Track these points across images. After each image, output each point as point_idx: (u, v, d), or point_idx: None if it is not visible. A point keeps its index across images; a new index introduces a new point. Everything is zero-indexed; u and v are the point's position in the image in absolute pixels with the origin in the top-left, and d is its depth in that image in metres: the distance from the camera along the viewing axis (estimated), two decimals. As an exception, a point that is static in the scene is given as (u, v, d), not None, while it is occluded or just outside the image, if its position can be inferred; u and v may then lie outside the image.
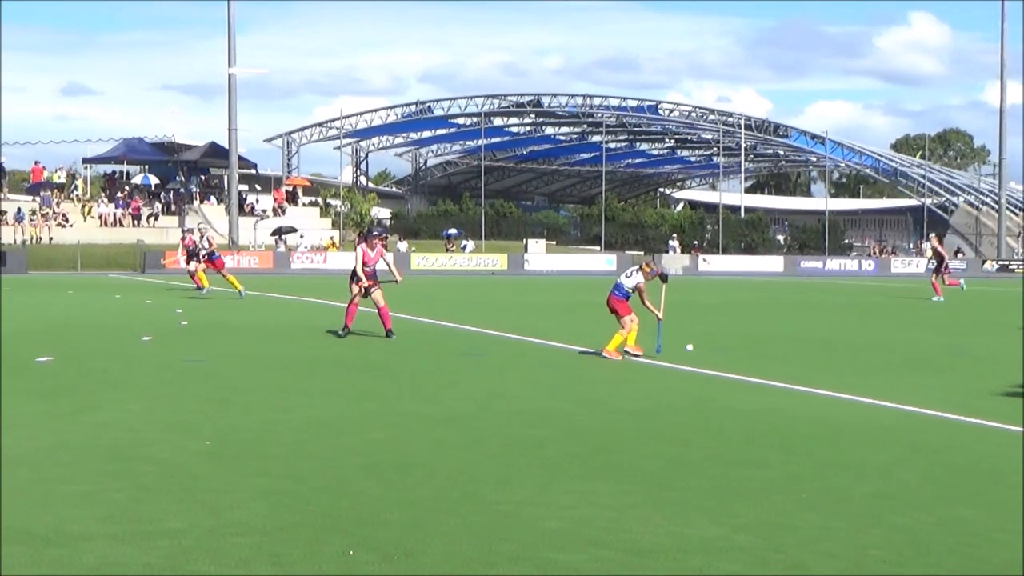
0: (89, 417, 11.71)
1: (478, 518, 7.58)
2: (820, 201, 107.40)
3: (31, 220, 64.68)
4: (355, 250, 20.93)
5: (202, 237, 35.83)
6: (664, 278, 17.86)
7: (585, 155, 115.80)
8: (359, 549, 6.76)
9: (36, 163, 75.06)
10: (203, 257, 35.14)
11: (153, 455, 9.66)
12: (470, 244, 77.23)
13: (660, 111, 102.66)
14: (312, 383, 14.61)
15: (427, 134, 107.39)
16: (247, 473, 8.97)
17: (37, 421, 11.43)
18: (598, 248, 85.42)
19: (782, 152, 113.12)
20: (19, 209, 65.45)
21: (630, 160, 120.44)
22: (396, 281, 21.08)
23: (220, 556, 6.61)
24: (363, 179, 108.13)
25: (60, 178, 73.89)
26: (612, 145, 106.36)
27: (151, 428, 11.09)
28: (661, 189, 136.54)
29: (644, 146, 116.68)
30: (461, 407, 12.60)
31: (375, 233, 21.69)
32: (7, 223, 63.89)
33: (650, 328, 17.97)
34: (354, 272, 20.79)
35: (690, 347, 18.16)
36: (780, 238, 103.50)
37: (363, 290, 20.57)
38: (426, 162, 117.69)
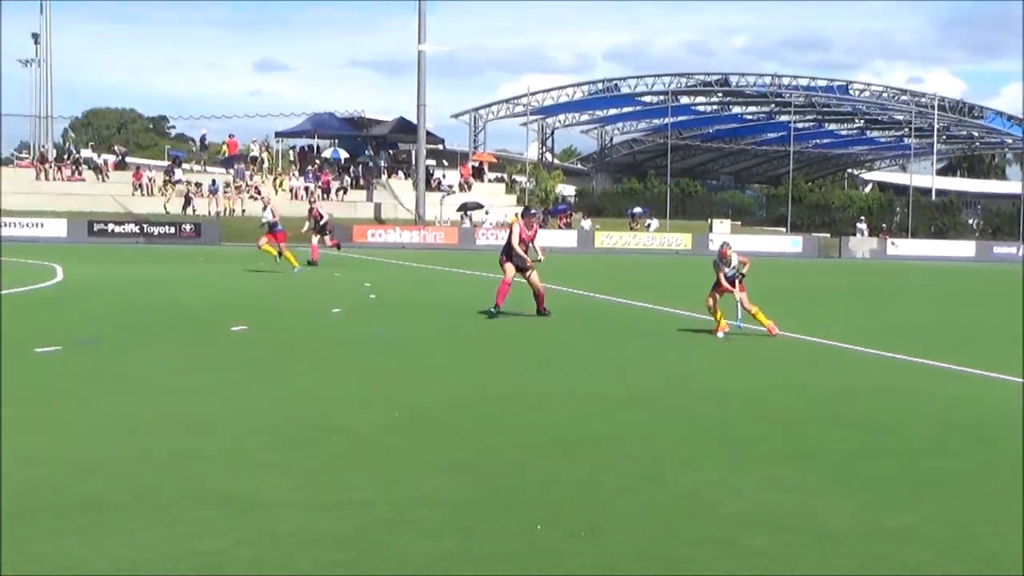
0: (282, 387, 11.99)
1: (663, 498, 7.57)
2: (1015, 185, 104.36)
3: (225, 192, 66.27)
4: (511, 227, 20.56)
5: (265, 208, 35.80)
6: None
7: (772, 135, 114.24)
8: (545, 524, 6.81)
9: (230, 137, 76.93)
10: (264, 229, 34.91)
11: (343, 426, 9.85)
12: (655, 223, 76.90)
13: (850, 91, 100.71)
14: (493, 359, 14.73)
15: (613, 112, 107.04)
16: (434, 447, 9.09)
17: (232, 389, 11.75)
18: (784, 229, 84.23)
19: (976, 134, 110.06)
20: (213, 181, 67.10)
21: (818, 140, 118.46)
22: (539, 260, 20.72)
23: (409, 527, 6.71)
24: (548, 156, 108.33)
25: (253, 151, 75.55)
26: (800, 125, 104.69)
27: (341, 399, 11.31)
28: (849, 170, 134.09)
29: (832, 126, 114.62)
30: (645, 386, 12.57)
31: (532, 212, 21.27)
32: (202, 195, 65.59)
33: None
34: (508, 249, 20.42)
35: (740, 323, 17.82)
36: (972, 222, 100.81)
37: (517, 268, 20.18)
38: (611, 140, 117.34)
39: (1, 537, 6.28)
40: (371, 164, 75.91)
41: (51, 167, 66.60)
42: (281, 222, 34.74)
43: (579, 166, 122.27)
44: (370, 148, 78.88)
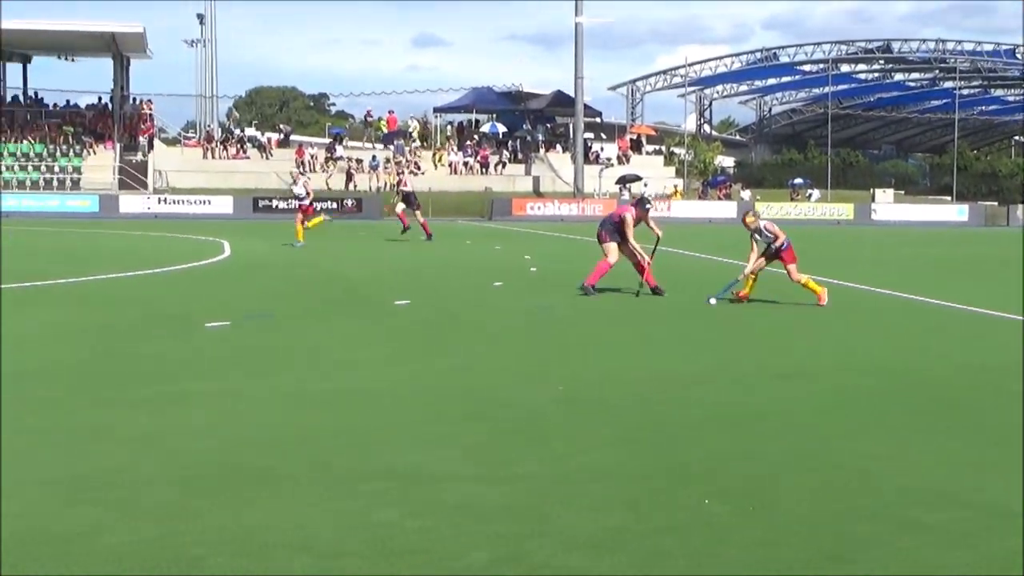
0: (447, 360, 12.11)
1: (830, 473, 7.48)
2: None
3: (385, 168, 67.00)
4: (623, 219, 19.83)
5: (295, 183, 35.54)
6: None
7: (936, 102, 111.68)
8: (713, 499, 6.77)
9: (390, 112, 77.70)
10: (298, 204, 34.55)
11: (508, 399, 9.91)
12: (816, 193, 75.84)
13: (1017, 55, 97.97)
14: (651, 333, 14.68)
15: (771, 82, 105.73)
16: (599, 420, 9.10)
17: (398, 363, 11.89)
18: (949, 199, 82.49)
19: None
20: (374, 157, 67.90)
21: (983, 107, 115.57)
22: (658, 236, 20.09)
23: (577, 501, 6.73)
24: (707, 127, 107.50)
25: (412, 127, 76.23)
26: (965, 92, 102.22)
27: (506, 373, 11.39)
28: (1017, 137, 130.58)
29: (999, 92, 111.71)
30: (805, 362, 12.42)
31: (647, 206, 20.05)
32: (363, 171, 66.41)
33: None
34: (623, 235, 19.42)
35: (713, 301, 17.46)
36: None
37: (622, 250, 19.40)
38: (770, 110, 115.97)
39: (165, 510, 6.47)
40: (529, 138, 76.08)
41: (217, 146, 68.01)
42: (310, 198, 34.59)
43: (738, 137, 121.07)
44: (528, 122, 79.07)
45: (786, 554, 5.85)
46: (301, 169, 42.02)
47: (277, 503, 6.63)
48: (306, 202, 33.81)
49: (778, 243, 17.55)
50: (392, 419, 9.05)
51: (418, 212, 36.14)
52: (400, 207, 36.11)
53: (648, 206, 20.01)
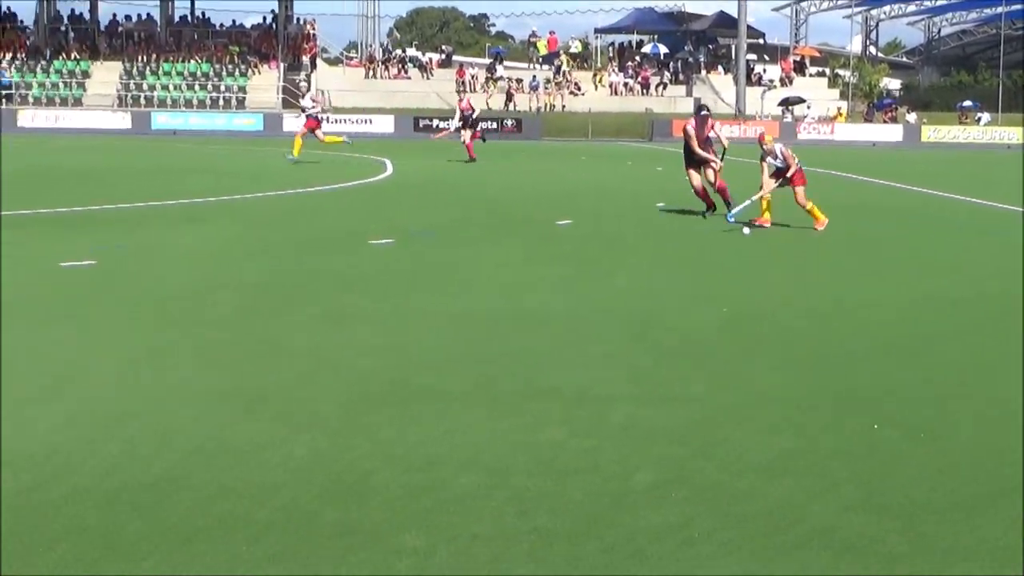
0: (609, 281, 12.08)
1: (1002, 401, 7.30)
2: None
3: (545, 88, 66.83)
4: (685, 131, 19.16)
5: (304, 96, 35.05)
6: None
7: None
8: (883, 425, 6.68)
9: (551, 33, 77.32)
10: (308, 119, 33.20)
11: (672, 322, 9.87)
12: (985, 117, 73.76)
13: None
14: (820, 256, 14.47)
15: (941, 2, 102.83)
16: (765, 344, 9.01)
17: (562, 283, 11.90)
18: None
19: None
20: (534, 77, 67.74)
21: None
22: (725, 147, 19.26)
23: (744, 424, 6.69)
24: (872, 49, 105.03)
25: (574, 48, 75.81)
26: None
27: (669, 294, 11.33)
28: None
29: None
30: (976, 286, 12.13)
31: (704, 113, 19.52)
32: (523, 91, 66.33)
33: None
34: (688, 154, 19.06)
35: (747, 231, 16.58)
36: None
37: (700, 164, 18.88)
38: (939, 31, 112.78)
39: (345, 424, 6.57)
40: (691, 59, 75.19)
41: (379, 66, 68.44)
42: (318, 111, 33.70)
43: (904, 59, 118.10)
44: (690, 43, 78.11)
45: (959, 483, 5.74)
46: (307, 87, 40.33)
47: (444, 420, 6.70)
48: (313, 114, 33.08)
49: (793, 169, 17.12)
50: (557, 340, 9.07)
51: (466, 131, 34.45)
52: (467, 134, 34.38)
53: (704, 113, 19.46)
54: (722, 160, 19.06)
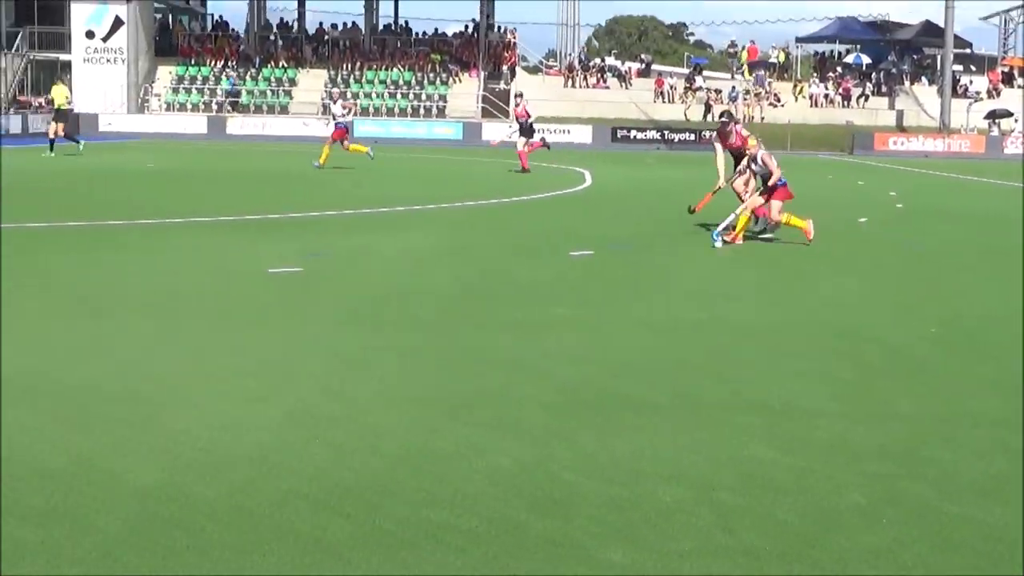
0: (813, 294, 11.92)
1: None
2: None
3: (744, 99, 66.22)
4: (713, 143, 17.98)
5: (334, 101, 34.44)
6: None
7: None
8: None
9: (751, 43, 76.60)
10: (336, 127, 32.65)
11: (878, 336, 9.67)
12: None
13: None
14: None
15: None
16: (976, 363, 8.77)
17: (765, 294, 11.77)
18: None
19: None
20: (733, 88, 67.17)
21: None
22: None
23: (955, 444, 6.51)
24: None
25: (775, 57, 74.99)
26: None
27: (874, 309, 11.11)
28: None
29: None
30: None
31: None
32: (722, 101, 65.84)
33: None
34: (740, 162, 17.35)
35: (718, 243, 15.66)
36: None
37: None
38: None
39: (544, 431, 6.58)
40: (894, 70, 73.73)
41: (578, 75, 68.64)
42: (347, 117, 33.34)
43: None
44: (894, 53, 76.60)
45: None
46: (341, 91, 39.25)
47: (647, 432, 6.66)
48: (343, 124, 32.76)
49: (773, 179, 16.00)
50: (759, 352, 8.96)
51: (521, 139, 32.54)
52: (523, 143, 32.35)
53: (724, 119, 17.83)
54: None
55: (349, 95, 34.35)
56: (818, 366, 8.53)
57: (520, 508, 5.40)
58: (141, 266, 12.93)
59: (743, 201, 16.56)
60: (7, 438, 6.24)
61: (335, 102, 34.56)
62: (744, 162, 16.73)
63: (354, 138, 35.29)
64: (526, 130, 32.76)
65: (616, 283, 12.50)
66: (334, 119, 33.09)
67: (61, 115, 38.69)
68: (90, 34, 62.30)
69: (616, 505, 5.46)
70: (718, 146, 17.70)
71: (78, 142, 37.68)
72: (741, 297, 11.62)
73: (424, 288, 11.78)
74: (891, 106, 67.85)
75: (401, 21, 73.57)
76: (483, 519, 5.25)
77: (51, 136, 38.32)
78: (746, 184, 16.89)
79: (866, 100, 68.70)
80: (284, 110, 62.34)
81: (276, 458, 6.04)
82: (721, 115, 18.02)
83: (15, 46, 63.47)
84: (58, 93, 39.59)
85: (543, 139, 33.78)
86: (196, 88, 62.40)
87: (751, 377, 8.10)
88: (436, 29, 73.04)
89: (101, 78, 61.33)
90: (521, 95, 35.00)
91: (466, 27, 71.35)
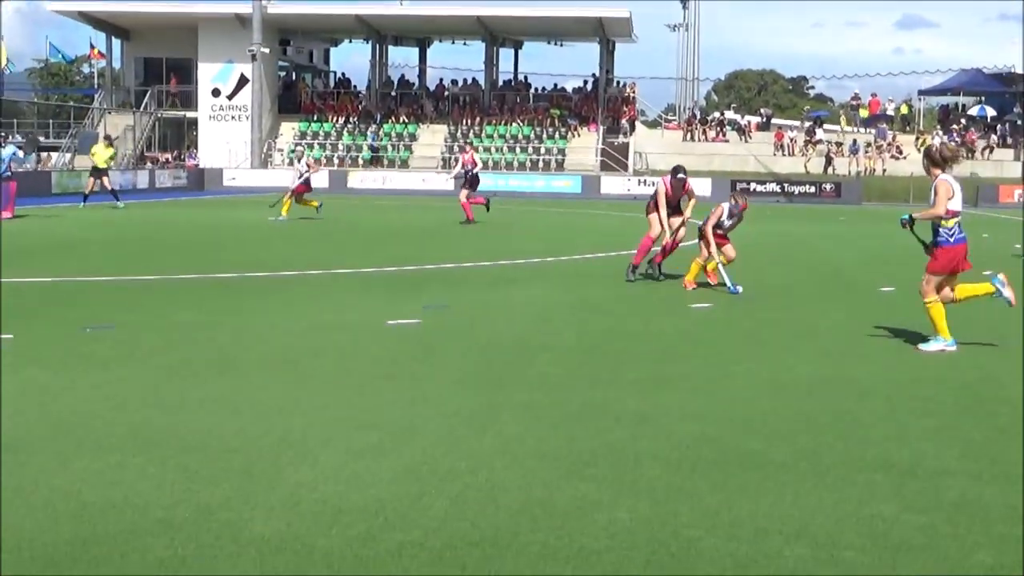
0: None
1: None
2: None
3: (866, 152, 65.61)
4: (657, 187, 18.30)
5: (300, 160, 34.63)
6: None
7: None
8: None
9: (873, 95, 75.97)
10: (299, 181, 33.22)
11: (1005, 394, 9.46)
12: None
13: None
14: None
15: None
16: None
17: (886, 351, 11.59)
18: None
19: None
20: (855, 141, 66.61)
21: None
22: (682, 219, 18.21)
23: (1088, 506, 6.34)
24: None
25: (891, 110, 74.27)
26: None
27: (999, 364, 10.86)
28: None
29: None
30: None
31: (680, 176, 17.91)
32: (843, 155, 65.29)
33: None
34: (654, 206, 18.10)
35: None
36: None
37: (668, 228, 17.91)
38: None
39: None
40: (1020, 121, 72.61)
41: (697, 128, 68.55)
42: (308, 176, 33.35)
43: None
44: (1020, 104, 75.43)
45: None
46: (303, 148, 39.39)
47: (769, 489, 6.57)
48: (306, 179, 33.26)
49: (728, 224, 17.42)
50: (884, 409, 8.81)
51: (464, 190, 32.40)
52: (464, 194, 32.24)
53: (681, 175, 17.98)
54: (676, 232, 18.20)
55: (310, 159, 35.41)
56: (944, 423, 8.36)
57: (640, 563, 5.35)
58: (262, 319, 13.10)
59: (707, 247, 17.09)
60: (133, 488, 6.35)
61: (299, 160, 35.26)
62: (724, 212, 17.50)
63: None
64: (472, 180, 32.52)
65: (738, 337, 12.41)
66: (301, 175, 33.57)
67: (97, 172, 39.14)
68: (216, 92, 63.71)
69: (738, 562, 5.39)
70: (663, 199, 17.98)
71: (118, 200, 38.10)
72: (858, 351, 11.47)
73: (543, 342, 11.77)
74: (1016, 158, 66.84)
75: (521, 76, 74.03)
76: (602, 573, 5.21)
77: (87, 191, 39.23)
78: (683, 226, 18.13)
79: (991, 152, 67.77)
80: (404, 164, 63.05)
81: (395, 510, 6.05)
82: (678, 170, 18.16)
83: (143, 104, 65.01)
84: (99, 153, 39.68)
85: (487, 199, 33.09)
86: (318, 143, 63.34)
87: (875, 435, 7.95)
88: (556, 84, 73.47)
89: (226, 134, 62.59)
90: (471, 144, 34.64)
91: (585, 82, 71.63)
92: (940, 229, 11.87)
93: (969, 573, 5.33)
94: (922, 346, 11.77)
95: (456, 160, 34.81)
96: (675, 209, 18.11)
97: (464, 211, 31.74)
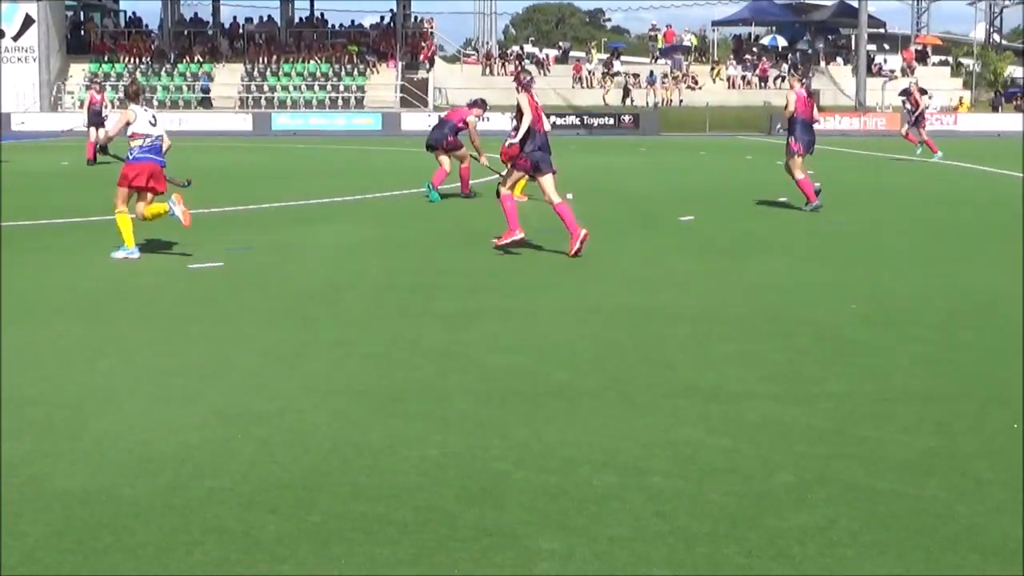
0: (740, 277, 11.94)
1: None
2: None
3: (663, 83, 66.50)
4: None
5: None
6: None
7: None
8: (1028, 424, 6.50)
9: (668, 26, 76.94)
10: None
11: (806, 317, 9.71)
12: (1115, 104, 71.95)
13: None
14: (954, 247, 14.19)
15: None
16: (903, 339, 8.84)
17: (692, 279, 11.80)
18: None
19: None
20: (651, 72, 67.43)
21: None
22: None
23: (884, 421, 6.55)
24: (997, 37, 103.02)
25: (688, 41, 75.33)
26: None
27: (802, 290, 11.16)
28: None
29: None
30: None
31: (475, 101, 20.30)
32: (640, 86, 66.07)
33: None
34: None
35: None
36: None
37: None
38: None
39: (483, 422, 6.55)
40: (809, 51, 74.35)
41: (496, 63, 68.60)
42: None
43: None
44: (809, 34, 77.25)
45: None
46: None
47: (578, 419, 6.65)
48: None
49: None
50: (689, 336, 8.97)
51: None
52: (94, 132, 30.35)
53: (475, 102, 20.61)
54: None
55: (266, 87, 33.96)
56: (748, 348, 8.54)
57: (451, 499, 5.37)
58: (61, 267, 12.76)
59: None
60: (-74, 446, 6.13)
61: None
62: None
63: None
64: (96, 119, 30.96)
65: (545, 269, 12.48)
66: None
67: None
68: (0, 33, 61.43)
69: (548, 493, 5.44)
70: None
71: None
72: (667, 283, 11.63)
73: (350, 281, 11.70)
74: (807, 87, 68.26)
75: (317, 13, 73.07)
76: (413, 510, 5.22)
77: None
78: None
79: (783, 81, 69.17)
80: (202, 105, 61.81)
81: (203, 457, 5.96)
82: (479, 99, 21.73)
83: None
84: None
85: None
86: (110, 85, 61.67)
87: (681, 362, 8.11)
88: (353, 21, 72.78)
89: (13, 77, 60.48)
90: (94, 86, 33.45)
91: (382, 18, 71.09)
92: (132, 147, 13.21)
93: (772, 491, 5.47)
94: (113, 255, 13.02)
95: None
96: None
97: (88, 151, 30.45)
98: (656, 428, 6.45)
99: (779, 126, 55.65)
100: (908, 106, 35.15)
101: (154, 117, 13.34)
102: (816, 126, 18.62)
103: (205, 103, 61.30)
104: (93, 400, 7.06)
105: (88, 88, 35.08)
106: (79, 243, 14.71)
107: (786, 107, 18.72)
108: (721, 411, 6.80)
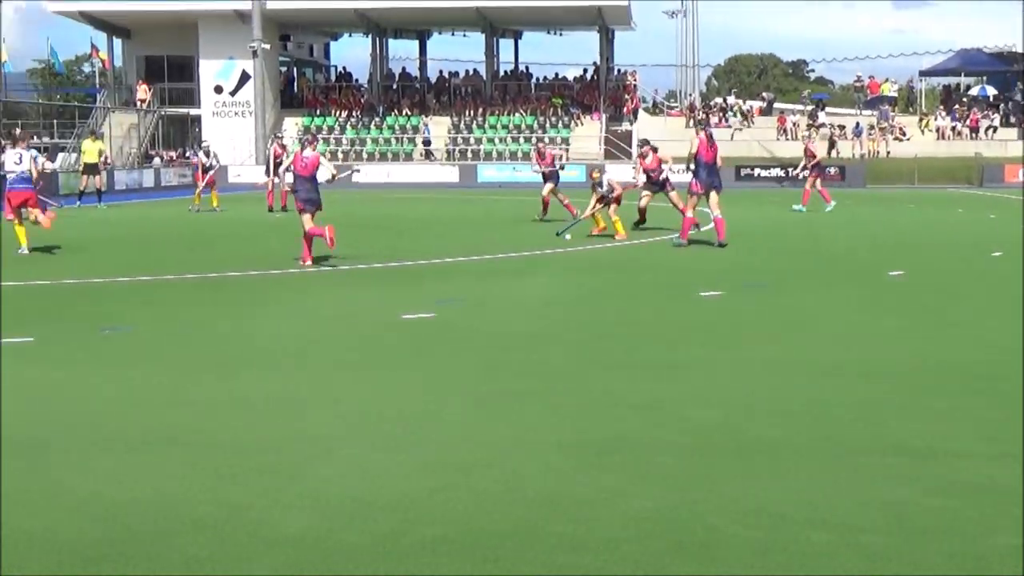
0: (948, 332, 11.75)
1: None
2: None
3: (868, 134, 65.55)
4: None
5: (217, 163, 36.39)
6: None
7: None
8: None
9: (871, 78, 75.84)
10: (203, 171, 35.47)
11: (1018, 375, 9.48)
12: None
13: None
14: None
15: None
16: (1123, 399, 8.58)
17: (899, 334, 11.63)
18: None
19: None
20: (857, 124, 66.55)
21: None
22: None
23: (1106, 484, 6.39)
24: None
25: (894, 92, 74.12)
26: None
27: (1010, 346, 10.87)
28: None
29: None
30: None
31: (307, 138, 19.59)
32: (846, 137, 65.23)
33: None
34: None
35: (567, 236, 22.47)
36: None
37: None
38: None
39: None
40: (1022, 100, 72.47)
41: (699, 114, 68.48)
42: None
43: None
44: (1021, 83, 75.31)
45: None
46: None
47: (788, 475, 6.63)
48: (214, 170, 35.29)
49: (615, 194, 23.73)
50: (899, 392, 8.86)
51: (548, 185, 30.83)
52: (548, 187, 30.71)
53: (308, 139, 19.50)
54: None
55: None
56: (959, 405, 8.40)
57: (663, 552, 5.40)
58: (275, 316, 13.15)
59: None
60: (162, 489, 6.41)
61: (206, 151, 36.50)
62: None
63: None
64: (552, 175, 31.37)
65: (749, 323, 12.45)
66: (211, 168, 35.56)
67: (89, 169, 39.22)
68: (218, 89, 63.70)
69: (761, 549, 5.43)
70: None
71: (100, 201, 38.38)
72: (875, 337, 11.50)
73: (555, 332, 11.82)
74: (1020, 137, 66.69)
75: (522, 67, 73.97)
76: (625, 563, 5.26)
77: (81, 188, 39.17)
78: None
79: (994, 131, 67.62)
80: (408, 157, 63.02)
81: (419, 504, 6.10)
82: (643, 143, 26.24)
83: (147, 103, 64.97)
84: (89, 150, 39.70)
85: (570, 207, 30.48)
86: (322, 137, 63.32)
87: (891, 418, 7.99)
88: (556, 73, 73.40)
89: (230, 131, 62.56)
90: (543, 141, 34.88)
91: (585, 71, 71.56)
92: None
93: (992, 552, 5.37)
94: None
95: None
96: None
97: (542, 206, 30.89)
98: (868, 486, 6.38)
99: (985, 179, 54.39)
100: None
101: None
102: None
103: (428, 155, 62.44)
104: (311, 447, 7.28)
105: (272, 142, 37.68)
106: (291, 290, 15.12)
107: (689, 150, 22.42)
108: (936, 470, 6.71)
